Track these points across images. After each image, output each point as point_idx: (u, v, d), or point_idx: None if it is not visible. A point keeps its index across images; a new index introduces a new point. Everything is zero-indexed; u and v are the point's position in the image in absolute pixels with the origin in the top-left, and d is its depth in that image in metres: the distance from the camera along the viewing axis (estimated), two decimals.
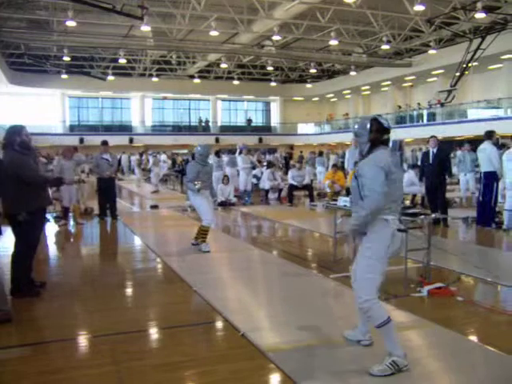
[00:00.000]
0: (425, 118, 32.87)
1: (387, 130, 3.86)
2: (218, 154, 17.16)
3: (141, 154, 23.38)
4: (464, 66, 24.30)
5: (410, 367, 3.74)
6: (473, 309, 5.37)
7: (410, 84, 36.70)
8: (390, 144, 7.51)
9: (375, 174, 3.68)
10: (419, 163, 13.33)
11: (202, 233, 8.28)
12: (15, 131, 5.64)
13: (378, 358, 3.80)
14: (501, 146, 14.67)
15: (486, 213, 10.45)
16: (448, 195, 11.83)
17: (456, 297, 5.63)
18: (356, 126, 3.96)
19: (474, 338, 4.60)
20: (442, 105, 28.25)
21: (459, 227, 10.99)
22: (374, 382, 3.65)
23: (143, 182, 23.23)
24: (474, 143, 14.19)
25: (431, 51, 28.54)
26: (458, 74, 24.93)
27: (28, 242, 5.73)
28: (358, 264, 3.91)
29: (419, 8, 21.74)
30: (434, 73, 31.98)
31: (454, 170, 14.88)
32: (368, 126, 3.83)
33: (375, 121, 3.86)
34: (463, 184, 14.97)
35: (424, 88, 35.32)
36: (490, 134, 10.49)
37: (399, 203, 3.94)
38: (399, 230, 3.83)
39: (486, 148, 10.38)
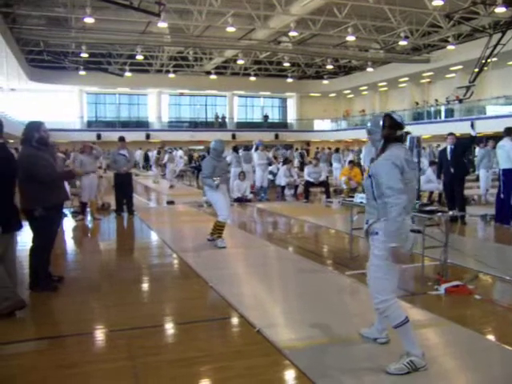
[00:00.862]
0: (443, 114, 32.55)
1: (401, 126, 3.79)
2: (236, 149, 17.16)
3: (158, 152, 23.47)
4: (483, 61, 23.96)
5: (427, 367, 3.71)
6: (490, 307, 5.30)
7: (428, 80, 36.34)
8: (408, 141, 7.48)
9: (390, 171, 3.61)
10: (436, 160, 13.20)
11: (218, 228, 8.26)
12: (34, 127, 5.70)
13: (394, 357, 3.77)
14: None
15: (505, 210, 10.32)
16: (466, 192, 11.70)
17: (473, 295, 5.57)
18: (369, 124, 3.91)
19: (491, 337, 4.54)
20: (461, 101, 27.93)
21: (477, 225, 10.87)
22: (390, 380, 3.62)
23: (160, 178, 23.33)
24: (495, 140, 14.01)
25: (450, 47, 28.21)
26: (476, 69, 24.60)
27: (45, 237, 5.78)
28: (371, 265, 3.87)
29: (438, 3, 21.51)
30: (452, 69, 31.62)
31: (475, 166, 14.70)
32: (381, 122, 3.78)
33: (388, 117, 3.81)
34: (483, 181, 14.66)
35: (442, 84, 34.96)
36: (509, 131, 10.34)
37: (413, 203, 3.87)
38: (412, 231, 3.76)
39: (506, 145, 10.24)
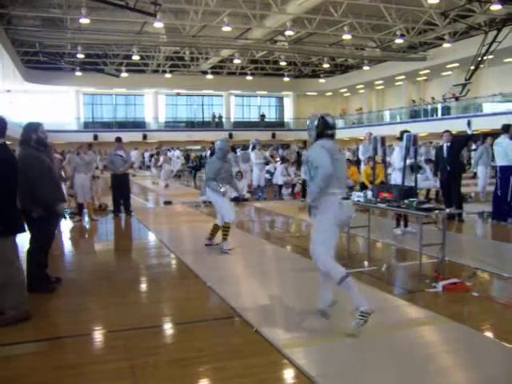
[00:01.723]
0: (439, 112, 32.58)
1: (331, 127, 4.64)
2: (234, 149, 17.15)
3: (157, 153, 23.47)
4: (479, 59, 24.01)
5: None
6: (488, 304, 5.31)
7: (425, 78, 36.38)
8: (405, 138, 7.49)
9: (320, 152, 4.49)
10: (433, 158, 13.21)
11: (225, 231, 7.84)
12: (31, 128, 5.68)
13: (393, 355, 3.78)
14: None
15: (502, 207, 10.34)
16: (463, 190, 11.72)
17: (471, 292, 5.58)
18: (308, 122, 4.78)
19: (489, 334, 4.56)
20: (457, 99, 27.95)
21: (474, 222, 10.89)
22: (390, 377, 3.63)
23: (158, 179, 23.34)
24: (492, 137, 14.01)
25: (446, 44, 28.23)
26: (472, 67, 24.64)
27: (43, 238, 5.77)
28: (315, 236, 4.62)
29: (433, 1, 21.51)
30: (448, 66, 31.65)
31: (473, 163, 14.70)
32: (315, 122, 4.63)
33: (322, 119, 4.64)
34: (482, 178, 14.64)
35: (438, 82, 34.99)
36: (507, 128, 10.36)
37: (343, 180, 4.71)
38: (344, 198, 4.54)
39: (503, 142, 10.27)
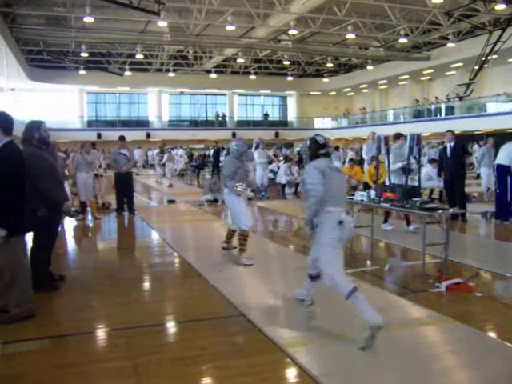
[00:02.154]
0: (443, 112, 32.53)
1: (323, 146, 4.75)
2: None
3: (161, 151, 23.44)
4: (483, 58, 23.94)
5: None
6: (491, 304, 5.31)
7: (428, 78, 36.31)
8: (408, 137, 7.49)
9: (312, 173, 4.59)
10: (436, 158, 13.19)
11: (241, 240, 7.15)
12: (34, 127, 5.69)
13: (396, 355, 3.77)
14: None
15: (503, 207, 10.34)
16: (467, 190, 11.70)
17: (474, 292, 5.58)
18: (301, 145, 4.85)
19: (492, 334, 4.55)
20: (461, 98, 27.90)
21: (478, 222, 10.87)
22: (393, 377, 3.62)
23: (161, 178, 23.34)
24: (495, 137, 13.99)
25: (450, 44, 28.17)
26: (476, 67, 24.58)
27: (46, 237, 5.78)
28: (320, 252, 4.60)
29: (437, 0, 21.45)
30: (452, 66, 31.58)
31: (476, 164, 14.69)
32: (308, 143, 4.82)
33: (313, 140, 4.81)
34: (485, 179, 14.64)
35: (442, 82, 34.93)
36: None
37: (341, 198, 4.71)
38: (339, 222, 4.48)
39: None
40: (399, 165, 8.85)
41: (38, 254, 5.74)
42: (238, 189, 7.20)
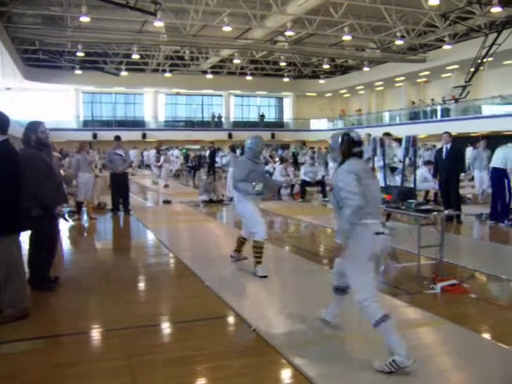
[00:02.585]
0: (439, 113, 32.62)
1: (357, 144, 4.07)
2: (233, 149, 17.13)
3: (158, 151, 23.38)
4: (479, 61, 24.03)
5: (415, 367, 3.66)
6: (486, 306, 5.32)
7: (425, 80, 36.39)
8: (404, 139, 7.49)
9: (347, 180, 3.87)
10: (432, 159, 13.23)
11: (256, 251, 6.51)
12: (31, 128, 5.64)
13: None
14: None
15: (498, 209, 10.38)
16: (462, 191, 11.74)
17: (469, 294, 5.59)
18: (330, 141, 4.22)
19: (487, 336, 4.57)
20: (457, 101, 27.99)
21: (473, 224, 10.90)
22: (387, 379, 3.63)
23: (158, 179, 23.30)
24: (489, 140, 14.05)
25: (446, 46, 28.24)
26: (472, 69, 24.66)
27: (42, 237, 5.75)
28: (347, 269, 4.04)
29: (434, 2, 21.50)
30: (448, 68, 31.66)
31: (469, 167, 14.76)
32: (339, 140, 4.07)
33: (346, 135, 4.09)
34: (478, 182, 14.75)
35: (438, 84, 35.01)
36: None
37: (377, 207, 4.12)
38: (377, 233, 3.89)
39: None
40: (381, 163, 8.83)
41: (36, 253, 5.74)
42: (256, 188, 6.45)
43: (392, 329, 3.75)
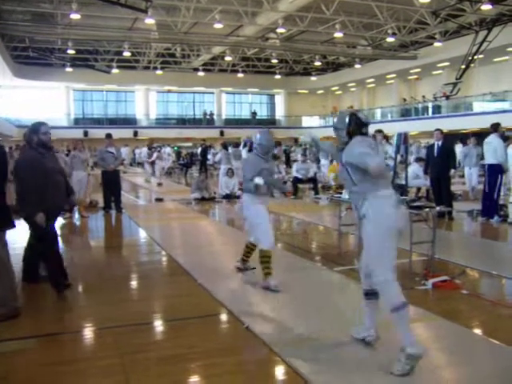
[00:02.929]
0: (430, 110, 32.76)
1: (365, 124, 3.93)
2: (225, 147, 17.10)
3: (149, 148, 23.30)
4: (470, 58, 24.17)
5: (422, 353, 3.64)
6: (477, 302, 5.35)
7: (416, 77, 36.53)
8: (395, 137, 7.50)
9: (362, 147, 3.73)
10: (423, 156, 13.28)
11: (264, 262, 5.80)
12: (33, 130, 5.44)
13: (384, 353, 3.79)
14: (506, 139, 14.57)
15: (490, 205, 10.43)
16: (453, 188, 11.78)
17: (461, 290, 5.62)
18: (335, 120, 4.03)
19: (478, 331, 4.59)
20: (448, 97, 28.12)
21: (464, 220, 10.96)
22: (380, 377, 3.63)
23: (151, 177, 23.25)
24: (480, 136, 14.11)
25: (437, 44, 28.36)
26: (463, 66, 24.79)
27: (37, 232, 5.67)
28: (370, 247, 3.83)
29: (425, 0, 21.58)
30: (439, 65, 31.81)
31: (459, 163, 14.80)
32: (347, 119, 3.91)
33: (354, 116, 3.93)
34: (468, 179, 14.83)
35: (429, 81, 35.17)
36: (496, 127, 10.44)
37: (389, 181, 4.01)
38: (397, 204, 3.78)
39: (492, 141, 10.34)
40: None
41: (34, 249, 5.77)
42: (256, 181, 5.66)
43: (408, 318, 3.68)
